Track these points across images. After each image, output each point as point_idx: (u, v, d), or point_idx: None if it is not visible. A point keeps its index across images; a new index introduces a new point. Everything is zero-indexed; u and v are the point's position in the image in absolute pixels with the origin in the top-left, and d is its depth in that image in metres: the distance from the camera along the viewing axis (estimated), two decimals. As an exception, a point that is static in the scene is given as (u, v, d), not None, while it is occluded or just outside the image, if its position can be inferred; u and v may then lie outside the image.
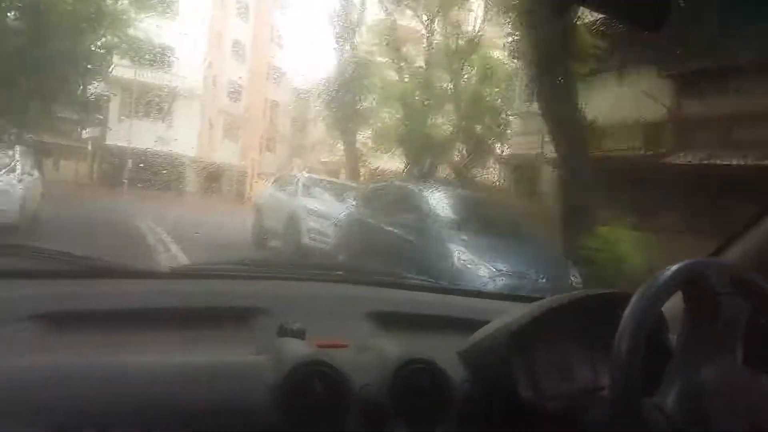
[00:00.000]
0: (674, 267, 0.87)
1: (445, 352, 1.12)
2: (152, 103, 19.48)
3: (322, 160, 21.48)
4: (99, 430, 0.86)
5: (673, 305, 1.32)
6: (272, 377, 0.94)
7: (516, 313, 1.15)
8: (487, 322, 1.18)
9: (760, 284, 0.90)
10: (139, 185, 15.24)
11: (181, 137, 17.12)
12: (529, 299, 1.45)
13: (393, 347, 1.08)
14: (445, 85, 14.82)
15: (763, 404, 0.84)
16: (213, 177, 20.99)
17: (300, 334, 1.11)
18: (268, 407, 0.92)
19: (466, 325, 1.26)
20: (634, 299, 0.84)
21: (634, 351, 0.79)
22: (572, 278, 6.07)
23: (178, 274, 1.39)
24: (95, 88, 16.48)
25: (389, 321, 1.30)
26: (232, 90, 22.69)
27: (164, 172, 14.37)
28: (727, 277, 0.89)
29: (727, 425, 0.81)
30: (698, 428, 0.81)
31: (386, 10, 15.67)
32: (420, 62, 15.74)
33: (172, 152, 15.27)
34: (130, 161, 16.71)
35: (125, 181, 17.06)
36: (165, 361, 1.00)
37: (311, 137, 23.45)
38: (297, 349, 1.02)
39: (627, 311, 0.83)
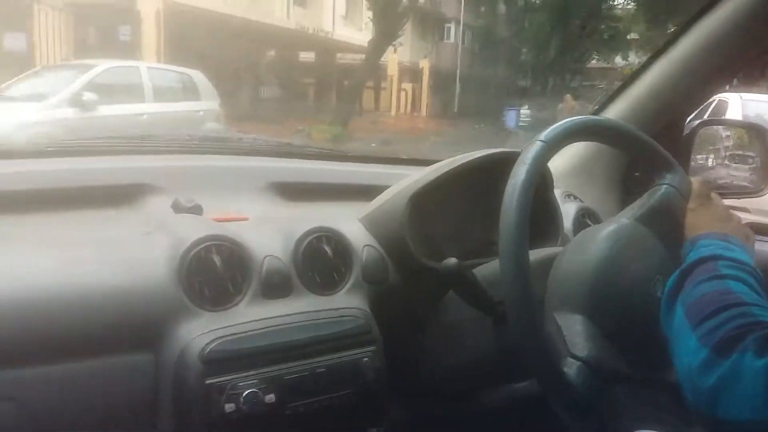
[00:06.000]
0: (563, 122, 0.88)
1: (346, 220, 1.13)
2: None
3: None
4: None
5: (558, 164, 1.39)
6: (169, 255, 0.92)
7: (414, 177, 1.17)
8: (386, 187, 1.20)
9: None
10: None
11: None
12: (426, 162, 1.47)
13: (294, 217, 1.07)
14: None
15: None
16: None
17: (196, 210, 1.08)
18: (167, 286, 0.90)
19: (367, 191, 1.27)
20: (522, 154, 0.85)
21: (520, 202, 0.80)
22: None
23: (58, 152, 1.28)
24: None
25: (289, 191, 1.28)
26: None
27: None
28: None
29: None
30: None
31: None
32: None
33: None
34: None
35: None
36: (49, 245, 0.93)
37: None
38: (194, 224, 0.99)
39: (515, 165, 0.84)
